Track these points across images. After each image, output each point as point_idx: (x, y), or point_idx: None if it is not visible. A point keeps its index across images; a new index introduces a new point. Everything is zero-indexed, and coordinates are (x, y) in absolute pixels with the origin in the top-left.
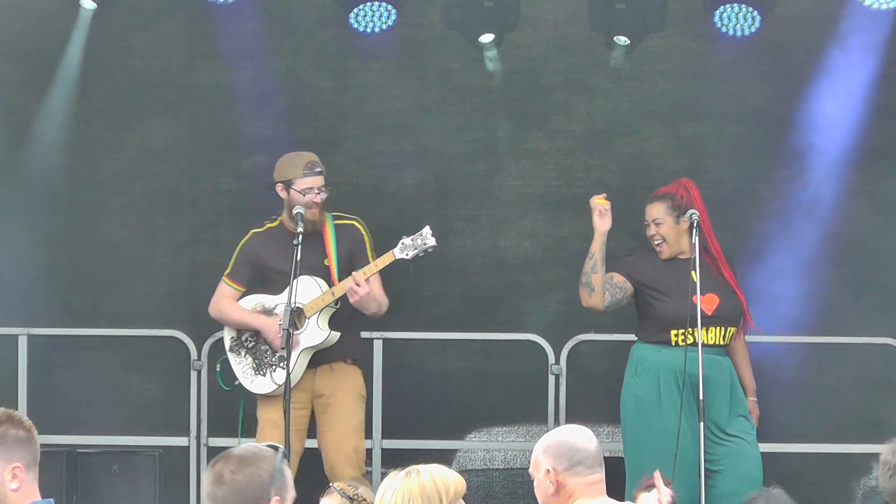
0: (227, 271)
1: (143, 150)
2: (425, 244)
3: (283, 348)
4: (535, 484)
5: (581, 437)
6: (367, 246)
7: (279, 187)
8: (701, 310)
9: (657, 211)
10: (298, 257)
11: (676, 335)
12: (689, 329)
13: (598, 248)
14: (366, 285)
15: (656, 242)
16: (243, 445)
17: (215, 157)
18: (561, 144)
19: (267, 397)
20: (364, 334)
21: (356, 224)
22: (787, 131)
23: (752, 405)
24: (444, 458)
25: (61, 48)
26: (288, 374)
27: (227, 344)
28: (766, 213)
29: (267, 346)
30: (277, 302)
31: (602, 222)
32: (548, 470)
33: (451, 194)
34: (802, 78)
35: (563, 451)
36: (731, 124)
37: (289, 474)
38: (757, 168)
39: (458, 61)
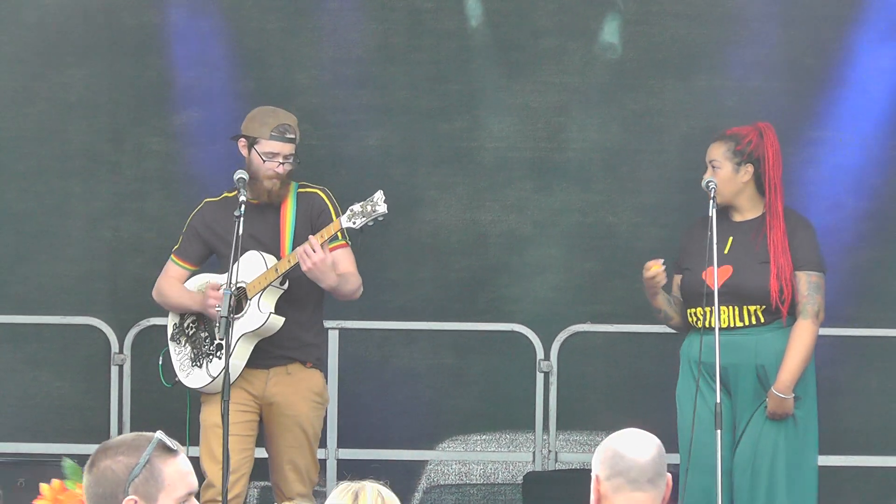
0: (176, 247)
1: (56, 103)
2: (375, 211)
3: (221, 338)
4: None
5: (631, 444)
6: (333, 216)
7: (242, 143)
8: (708, 285)
9: (716, 152)
10: (240, 231)
11: (693, 315)
12: (702, 309)
13: (663, 304)
14: (322, 251)
15: (708, 184)
16: (133, 433)
17: (141, 113)
18: (553, 99)
19: (210, 396)
20: None
21: (320, 193)
22: (823, 85)
23: (769, 393)
24: (412, 470)
25: None
26: (227, 368)
27: (169, 332)
28: (797, 182)
29: (207, 333)
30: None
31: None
32: (594, 475)
33: (422, 158)
34: (841, 21)
35: (607, 456)
36: (756, 77)
37: (166, 470)
38: (787, 129)
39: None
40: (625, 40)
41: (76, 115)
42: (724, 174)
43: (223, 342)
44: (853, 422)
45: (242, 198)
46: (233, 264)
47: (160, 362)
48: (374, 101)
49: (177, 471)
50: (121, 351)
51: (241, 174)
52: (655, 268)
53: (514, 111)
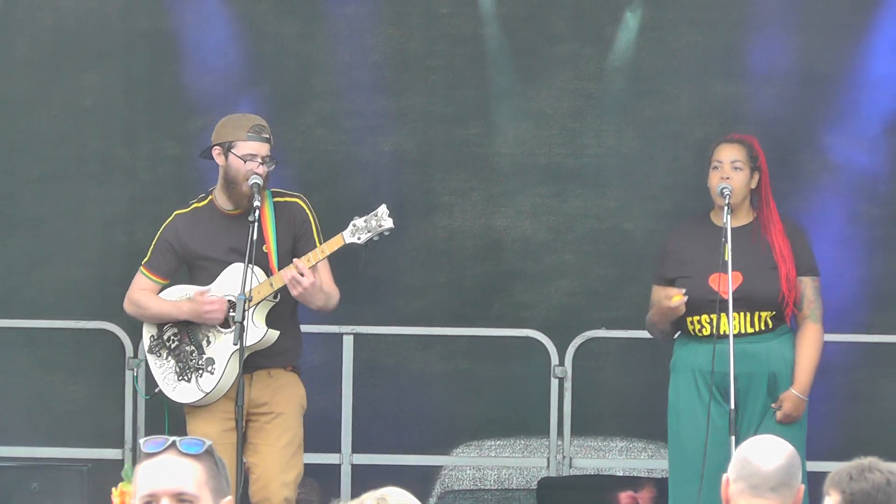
0: (146, 260)
1: (71, 107)
2: (381, 226)
3: (235, 344)
4: None
5: (760, 451)
6: (313, 227)
7: (216, 151)
8: (717, 291)
9: (738, 153)
10: (255, 236)
11: (693, 324)
12: (706, 316)
13: (667, 324)
14: (310, 274)
15: (723, 191)
16: None
17: (156, 117)
18: (568, 105)
19: (194, 408)
20: (332, 329)
21: (299, 202)
22: (837, 92)
23: (785, 395)
24: (426, 476)
25: None
26: (240, 375)
27: (147, 344)
28: (811, 189)
29: (193, 347)
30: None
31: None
32: (725, 476)
33: (437, 163)
34: (856, 28)
35: (737, 459)
36: (771, 84)
37: (137, 474)
38: (801, 135)
39: (446, 5)
40: (640, 46)
41: (91, 119)
42: (744, 177)
43: (214, 356)
44: (868, 428)
45: (256, 203)
46: (246, 269)
47: (135, 375)
48: (389, 107)
49: (142, 472)
50: (135, 355)
51: (256, 179)
52: (678, 298)
53: (529, 117)
